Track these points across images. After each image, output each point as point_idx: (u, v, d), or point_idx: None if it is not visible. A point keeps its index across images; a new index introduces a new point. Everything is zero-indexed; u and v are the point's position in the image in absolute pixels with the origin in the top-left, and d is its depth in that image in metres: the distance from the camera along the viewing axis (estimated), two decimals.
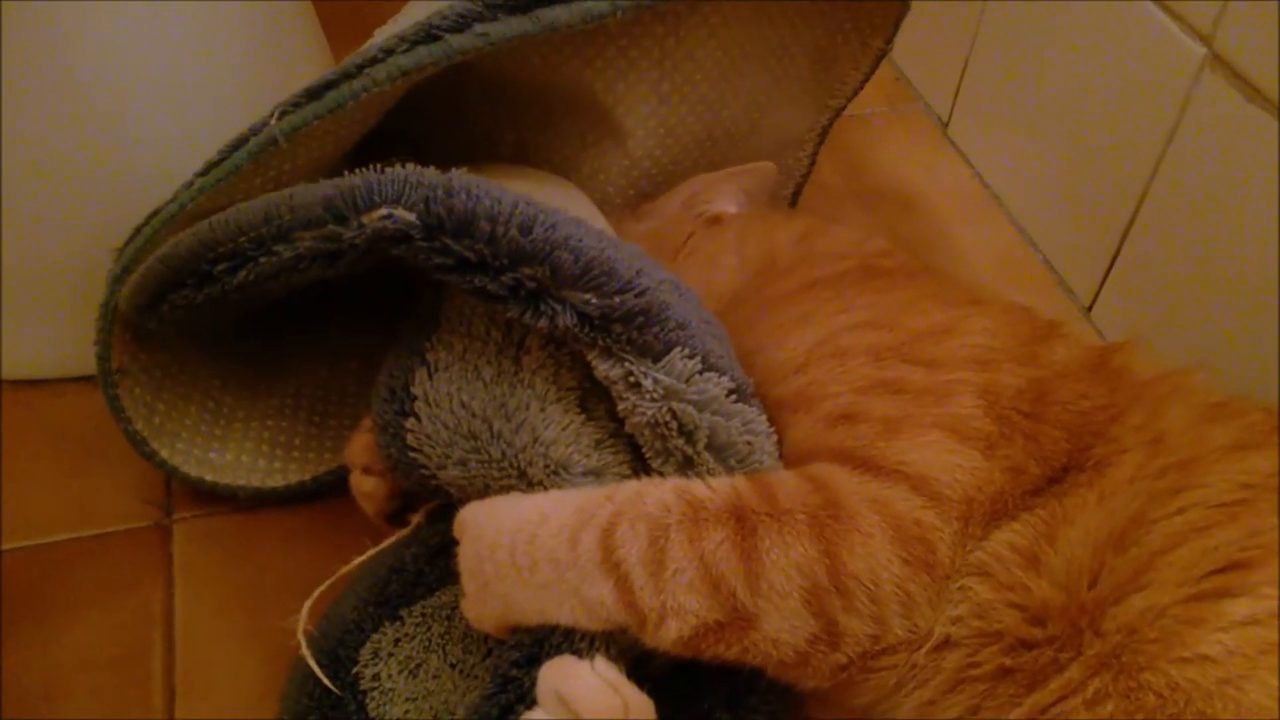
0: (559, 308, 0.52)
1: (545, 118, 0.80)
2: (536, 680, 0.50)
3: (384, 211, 0.52)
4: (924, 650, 0.49)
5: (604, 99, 0.78)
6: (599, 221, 0.74)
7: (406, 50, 0.59)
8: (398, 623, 0.64)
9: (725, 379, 0.54)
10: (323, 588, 0.63)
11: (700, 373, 0.54)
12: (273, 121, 0.61)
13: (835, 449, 0.52)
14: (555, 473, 0.56)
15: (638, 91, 0.78)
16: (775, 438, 0.56)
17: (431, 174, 0.53)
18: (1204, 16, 0.75)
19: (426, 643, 0.63)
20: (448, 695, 0.61)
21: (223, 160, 0.62)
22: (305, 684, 0.62)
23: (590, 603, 0.50)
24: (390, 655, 0.63)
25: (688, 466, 0.54)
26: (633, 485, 0.52)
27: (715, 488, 0.51)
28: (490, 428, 0.57)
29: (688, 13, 0.75)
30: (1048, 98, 0.94)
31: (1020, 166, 1.01)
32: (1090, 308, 0.92)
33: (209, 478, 0.73)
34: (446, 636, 0.64)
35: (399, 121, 0.70)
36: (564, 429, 0.56)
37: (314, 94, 0.60)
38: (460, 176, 0.53)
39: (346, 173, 0.54)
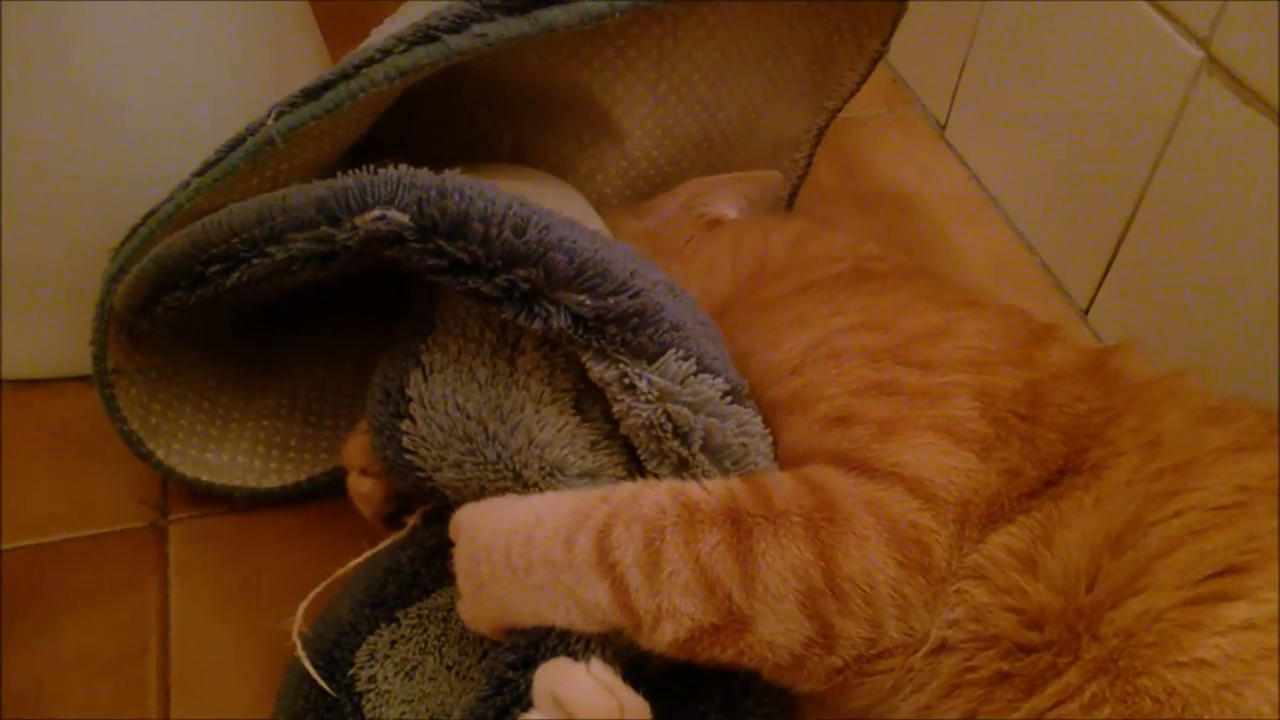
0: (553, 309, 0.52)
1: (543, 118, 0.80)
2: (532, 682, 0.50)
3: (377, 213, 0.52)
4: (920, 654, 0.49)
5: (601, 99, 0.78)
6: (595, 222, 0.74)
7: (404, 51, 0.59)
8: (394, 624, 0.64)
9: (720, 380, 0.54)
10: (319, 589, 0.63)
11: (695, 374, 0.54)
12: (270, 122, 0.60)
13: (830, 451, 0.52)
14: (550, 474, 0.56)
15: (635, 92, 0.78)
16: (770, 439, 0.56)
17: (425, 175, 0.53)
18: (1201, 19, 0.75)
19: (422, 645, 0.63)
20: (444, 697, 0.61)
21: (220, 160, 0.62)
22: (301, 686, 0.62)
23: (586, 604, 0.50)
24: (386, 657, 0.63)
25: (683, 468, 0.54)
26: (628, 487, 0.52)
27: (710, 490, 0.51)
28: (485, 430, 0.57)
29: (685, 14, 0.75)
30: (1045, 100, 0.94)
31: (1018, 169, 1.01)
32: (1087, 310, 0.92)
33: (205, 478, 0.73)
34: (442, 638, 0.63)
35: (396, 122, 0.70)
36: (559, 431, 0.56)
37: (311, 94, 0.60)
38: (454, 178, 0.53)
39: (341, 174, 0.54)
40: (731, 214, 0.80)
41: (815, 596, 0.48)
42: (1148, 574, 0.46)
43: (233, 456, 0.75)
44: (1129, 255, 0.86)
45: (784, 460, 0.55)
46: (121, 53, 0.72)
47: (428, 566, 0.65)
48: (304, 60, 0.88)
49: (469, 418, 0.57)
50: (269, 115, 0.61)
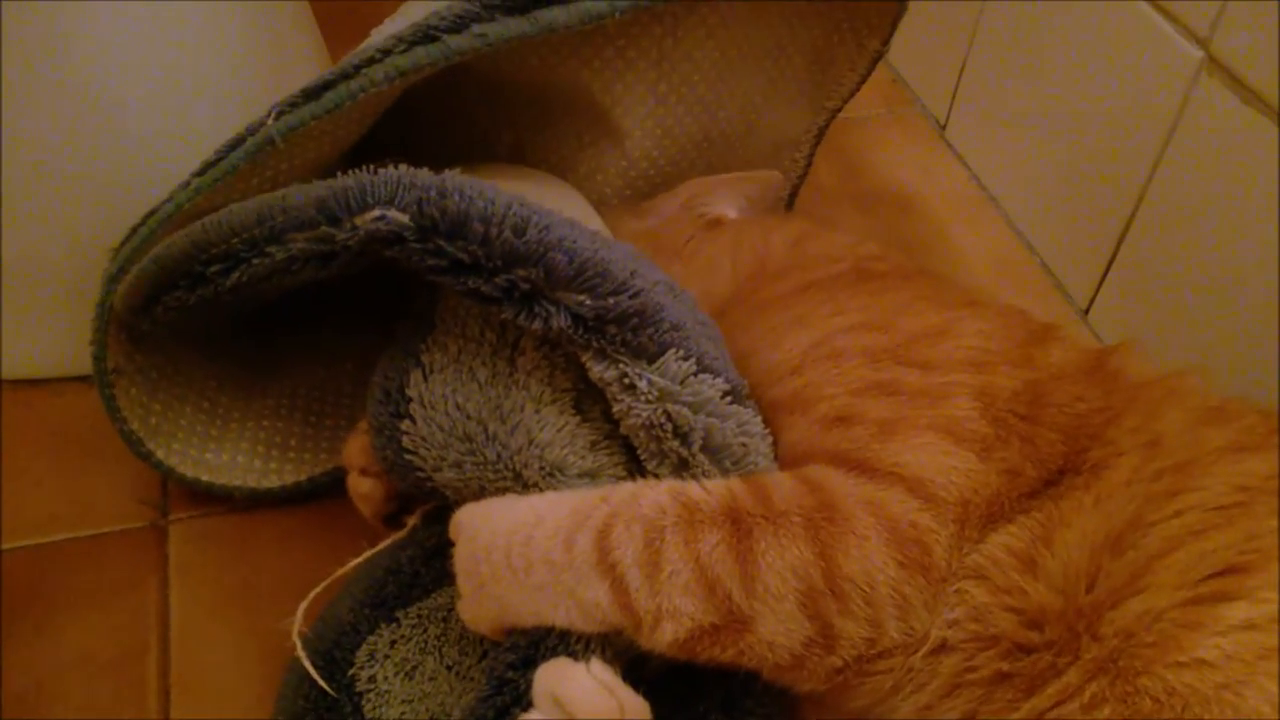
0: (553, 309, 0.52)
1: (543, 118, 0.80)
2: (532, 682, 0.50)
3: (377, 213, 0.52)
4: (920, 654, 0.49)
5: (601, 99, 0.78)
6: (595, 222, 0.74)
7: (404, 51, 0.59)
8: (394, 624, 0.64)
9: (720, 380, 0.54)
10: (319, 589, 0.63)
11: (695, 374, 0.54)
12: (270, 121, 0.60)
13: (830, 451, 0.52)
14: (550, 474, 0.56)
15: (635, 92, 0.78)
16: (770, 439, 0.56)
17: (425, 175, 0.53)
18: (1201, 19, 0.75)
19: (422, 645, 0.63)
20: (444, 697, 0.61)
21: (220, 160, 0.62)
22: (301, 686, 0.62)
23: (586, 604, 0.50)
24: (386, 657, 0.63)
25: (683, 468, 0.54)
26: (628, 487, 0.52)
27: (710, 490, 0.51)
28: (485, 430, 0.57)
29: (685, 14, 0.75)
30: (1045, 100, 0.94)
31: (1018, 169, 1.01)
32: (1087, 310, 0.92)
33: (205, 478, 0.73)
34: (442, 638, 0.63)
35: (396, 122, 0.70)
36: (559, 431, 0.56)
37: (311, 94, 0.60)
38: (454, 178, 0.53)
39: (341, 174, 0.54)
40: (731, 214, 0.80)
41: (815, 596, 0.48)
42: (1148, 574, 0.46)
43: (233, 456, 0.75)
44: (1129, 255, 0.86)
45: (784, 460, 0.55)
46: (121, 53, 0.72)
47: (428, 566, 0.65)
48: (304, 60, 0.88)
49: (469, 418, 0.57)
50: (269, 115, 0.61)
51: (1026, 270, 0.97)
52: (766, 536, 0.49)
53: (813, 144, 0.88)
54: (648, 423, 0.54)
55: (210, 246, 0.57)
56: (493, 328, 0.58)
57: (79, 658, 0.68)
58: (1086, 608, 0.47)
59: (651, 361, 0.53)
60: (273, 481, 0.75)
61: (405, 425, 0.59)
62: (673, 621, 0.48)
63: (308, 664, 0.61)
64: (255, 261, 0.56)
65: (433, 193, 0.52)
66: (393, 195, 0.52)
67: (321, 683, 0.61)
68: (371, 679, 0.62)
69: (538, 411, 0.56)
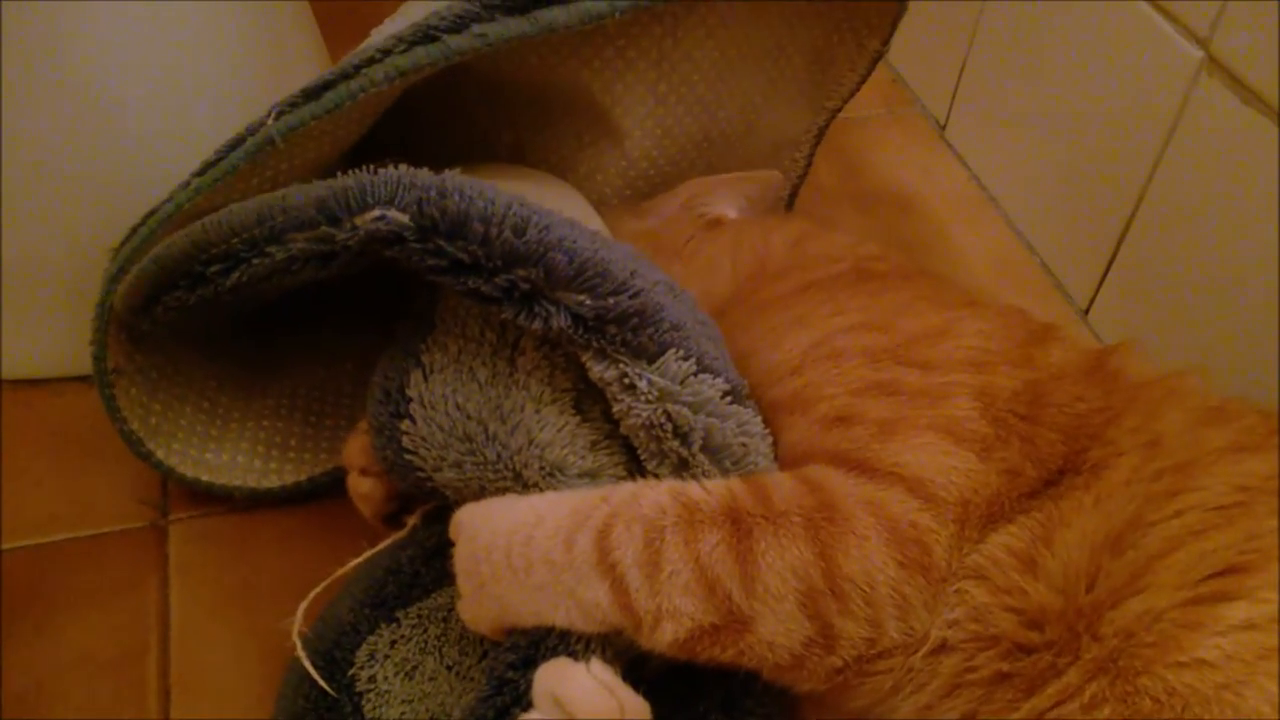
0: (553, 309, 0.52)
1: (543, 118, 0.80)
2: (532, 682, 0.50)
3: (377, 213, 0.52)
4: (920, 654, 0.49)
5: (601, 99, 0.78)
6: (595, 222, 0.74)
7: (404, 51, 0.59)
8: (394, 624, 0.64)
9: (720, 380, 0.54)
10: (319, 589, 0.63)
11: (695, 374, 0.54)
12: (270, 122, 0.60)
13: (830, 451, 0.52)
14: (550, 474, 0.56)
15: (635, 92, 0.78)
16: (770, 439, 0.56)
17: (425, 175, 0.53)
18: (1201, 19, 0.75)
19: (423, 645, 0.63)
20: (444, 697, 0.61)
21: (220, 160, 0.62)
22: (301, 686, 0.62)
23: (586, 604, 0.50)
24: (386, 657, 0.63)
25: (683, 468, 0.54)
26: (628, 487, 0.52)
27: (710, 490, 0.51)
28: (485, 430, 0.57)
29: (685, 13, 0.75)
30: (1045, 100, 0.94)
31: (1018, 169, 1.01)
32: (1087, 310, 0.92)
33: (205, 478, 0.73)
34: (443, 638, 0.63)
35: (396, 122, 0.70)
36: (559, 431, 0.56)
37: (311, 94, 0.60)
38: (454, 178, 0.53)
39: (341, 174, 0.54)
40: (731, 214, 0.80)
41: (815, 596, 0.48)
42: (1148, 574, 0.46)
43: (233, 456, 0.75)
44: (1129, 255, 0.86)
45: (784, 460, 0.55)
46: (121, 53, 0.72)
47: (428, 566, 0.65)
48: (304, 60, 0.88)
49: (469, 418, 0.57)
50: (269, 115, 0.61)
51: (1026, 270, 0.97)
52: (766, 536, 0.49)
53: (813, 144, 0.88)
54: (648, 423, 0.54)
55: (210, 246, 0.57)
56: (493, 328, 0.58)
57: (79, 658, 0.68)
58: (1086, 608, 0.47)
59: (651, 361, 0.53)
60: (273, 481, 0.75)
61: (405, 425, 0.59)
62: (673, 621, 0.48)
63: (308, 664, 0.61)
64: (255, 261, 0.56)
65: (433, 193, 0.52)
66: (393, 195, 0.52)
67: (322, 683, 0.61)
68: (372, 679, 0.62)
69: (538, 411, 0.56)
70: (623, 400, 0.54)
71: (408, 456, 0.60)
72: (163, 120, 0.75)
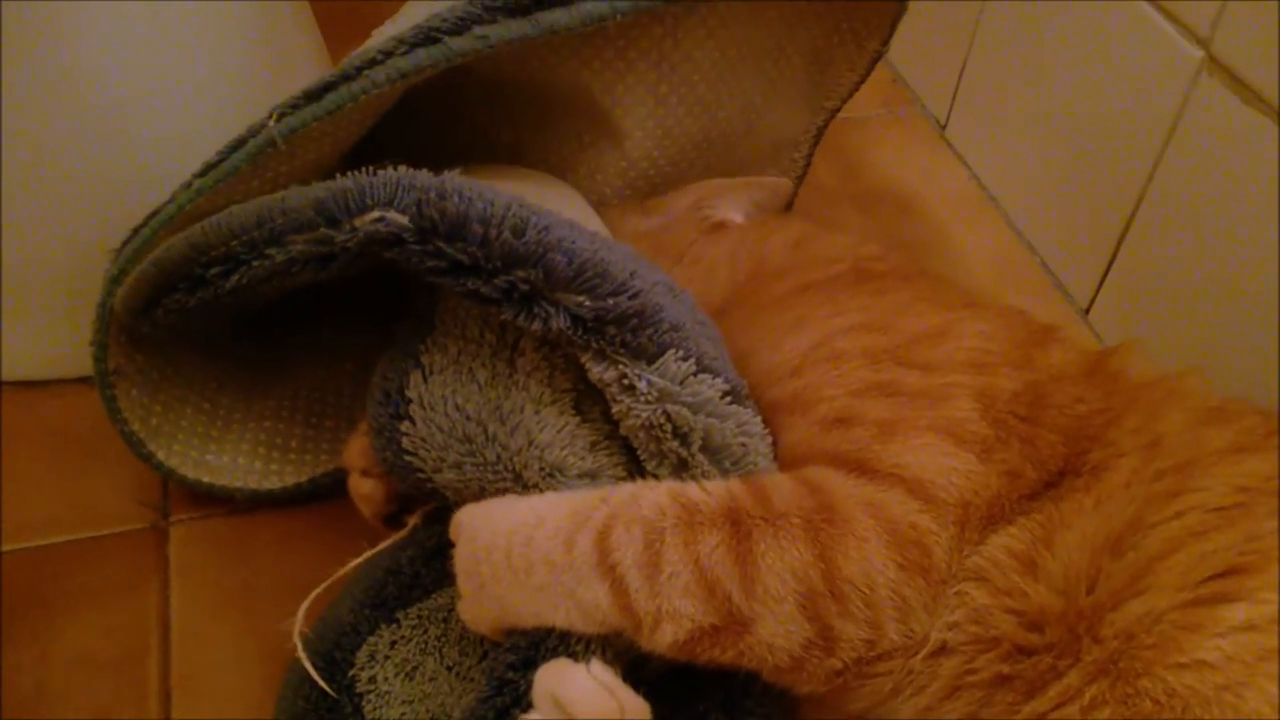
0: (552, 310, 0.52)
1: (543, 118, 0.80)
2: (532, 683, 0.50)
3: (376, 214, 0.52)
4: (920, 656, 0.49)
5: (602, 100, 0.78)
6: (594, 223, 0.74)
7: (405, 52, 0.59)
8: (394, 625, 0.64)
9: (720, 381, 0.54)
10: (319, 590, 0.63)
11: (695, 375, 0.54)
12: (271, 123, 0.60)
13: (830, 452, 0.52)
14: (550, 475, 0.56)
15: (635, 93, 0.78)
16: (770, 440, 0.56)
17: (424, 176, 0.53)
18: (1201, 19, 0.75)
19: (423, 645, 0.63)
20: (444, 698, 0.61)
21: (221, 162, 0.62)
22: (301, 686, 0.62)
23: (586, 605, 0.50)
24: (386, 658, 0.63)
25: (682, 469, 0.54)
26: (628, 488, 0.52)
27: (710, 491, 0.51)
28: (485, 431, 0.57)
29: (685, 14, 0.75)
30: (1045, 100, 0.94)
31: (1018, 169, 1.00)
32: (1088, 310, 0.92)
33: (206, 479, 0.73)
34: (443, 639, 0.63)
35: (396, 123, 0.70)
36: (559, 431, 0.56)
37: (313, 96, 0.60)
38: (453, 179, 0.53)
39: (340, 176, 0.54)
40: (738, 219, 0.80)
41: (815, 598, 0.48)
42: (1148, 575, 0.46)
43: (233, 458, 0.75)
44: (1129, 255, 0.86)
45: (784, 461, 0.55)
46: (121, 53, 0.72)
47: (428, 567, 0.65)
48: (304, 60, 0.87)
49: (469, 419, 0.57)
50: (270, 117, 0.61)
51: (1026, 270, 0.97)
52: (766, 538, 0.49)
53: (812, 144, 0.88)
54: (647, 423, 0.54)
55: (209, 249, 0.57)
56: (492, 329, 0.58)
57: (80, 659, 0.68)
58: (1087, 609, 0.47)
59: (651, 362, 0.53)
60: (273, 483, 0.75)
61: (405, 427, 0.59)
62: (672, 623, 0.48)
63: (308, 665, 0.61)
64: (255, 264, 0.56)
65: (432, 194, 0.52)
66: (392, 197, 0.52)
67: (322, 683, 0.61)
68: (372, 680, 0.62)
69: (537, 412, 0.56)
70: (622, 401, 0.54)
71: (408, 458, 0.60)
72: (163, 121, 0.75)
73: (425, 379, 0.59)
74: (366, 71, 0.59)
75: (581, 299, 0.52)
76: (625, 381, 0.53)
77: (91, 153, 0.73)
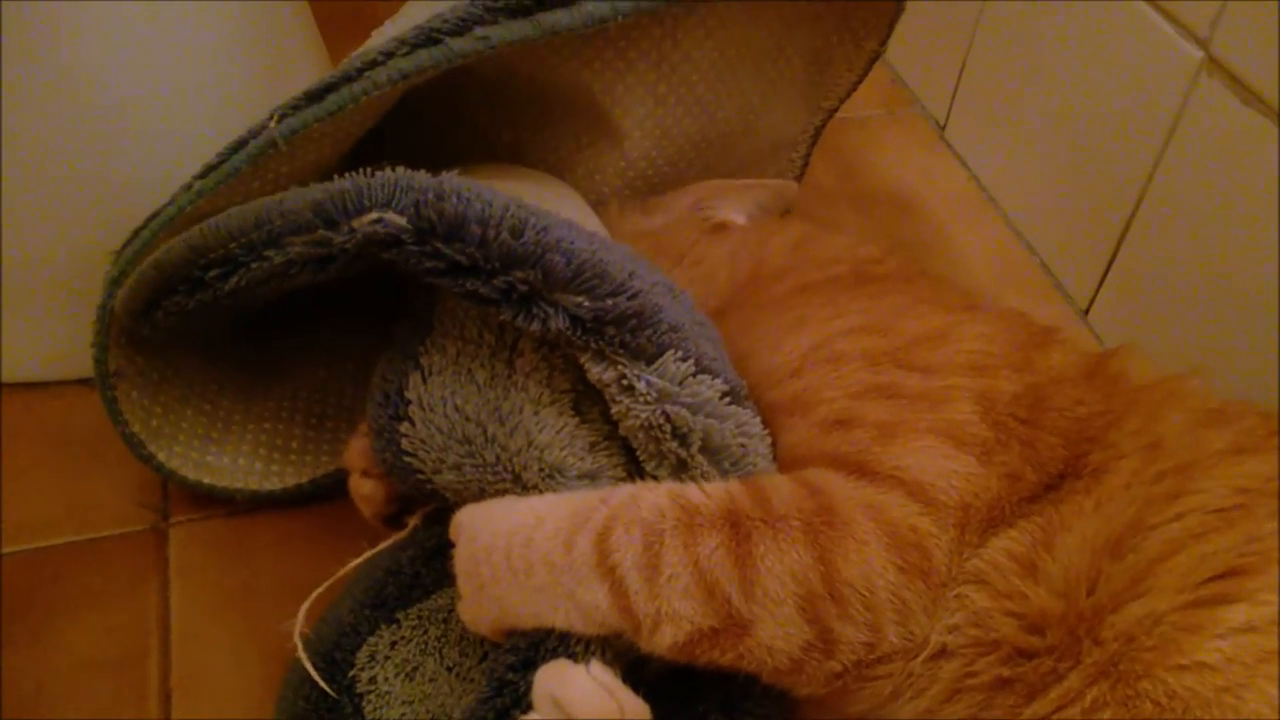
0: (551, 311, 0.52)
1: (542, 118, 0.80)
2: (532, 684, 0.50)
3: (374, 216, 0.52)
4: (920, 659, 0.49)
5: (601, 100, 0.78)
6: (593, 223, 0.74)
7: (406, 53, 0.59)
8: (394, 626, 0.64)
9: (719, 381, 0.54)
10: (319, 590, 0.63)
11: (694, 375, 0.54)
12: (272, 124, 0.60)
13: (830, 454, 0.52)
14: (550, 476, 0.56)
15: (635, 93, 0.78)
16: (769, 440, 0.56)
17: (422, 177, 0.53)
18: (1201, 19, 0.75)
19: (423, 646, 0.63)
20: (444, 698, 0.61)
21: (221, 163, 0.62)
22: (301, 687, 0.62)
23: (585, 606, 0.50)
24: (387, 658, 0.63)
25: (682, 469, 0.54)
26: (627, 489, 0.52)
27: (710, 493, 0.51)
28: (484, 431, 0.57)
29: (685, 15, 0.75)
30: (1045, 101, 0.94)
31: (1017, 169, 1.00)
32: (1087, 311, 0.92)
33: (206, 481, 0.73)
34: (443, 639, 0.63)
35: (395, 122, 0.70)
36: (558, 432, 0.56)
37: (313, 97, 0.60)
38: (451, 180, 0.53)
39: (338, 176, 0.54)
40: (740, 220, 0.79)
41: (814, 601, 0.48)
42: (1148, 577, 0.46)
43: (234, 459, 0.75)
44: (1129, 256, 0.86)
45: (783, 463, 0.55)
46: (121, 53, 0.72)
47: (428, 567, 0.65)
48: (304, 61, 0.87)
49: (468, 420, 0.57)
50: (271, 118, 0.61)
51: (1026, 271, 0.97)
52: (765, 540, 0.48)
53: (810, 144, 0.89)
54: (646, 424, 0.54)
55: (208, 251, 0.57)
56: (491, 329, 0.58)
57: (80, 660, 0.68)
58: (1087, 612, 0.47)
59: (650, 363, 0.53)
60: (274, 484, 0.75)
61: (404, 428, 0.59)
62: (672, 624, 0.48)
63: (309, 665, 0.61)
64: (253, 266, 0.56)
65: (430, 195, 0.52)
66: (390, 198, 0.52)
67: (322, 684, 0.61)
68: (372, 680, 0.62)
69: (537, 413, 0.56)
70: (621, 401, 0.54)
71: (407, 459, 0.60)
72: (162, 121, 0.75)
73: (424, 380, 0.59)
74: (367, 72, 0.59)
75: (580, 299, 0.52)
76: (624, 382, 0.53)
77: (91, 153, 0.73)
